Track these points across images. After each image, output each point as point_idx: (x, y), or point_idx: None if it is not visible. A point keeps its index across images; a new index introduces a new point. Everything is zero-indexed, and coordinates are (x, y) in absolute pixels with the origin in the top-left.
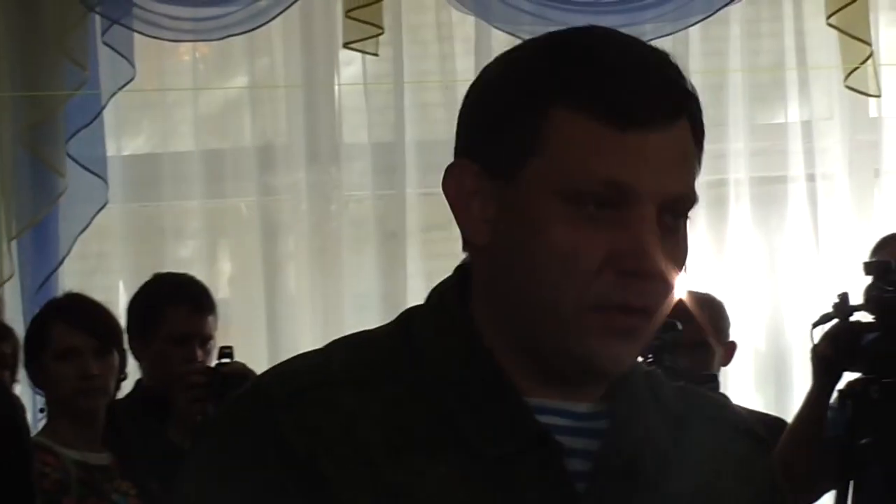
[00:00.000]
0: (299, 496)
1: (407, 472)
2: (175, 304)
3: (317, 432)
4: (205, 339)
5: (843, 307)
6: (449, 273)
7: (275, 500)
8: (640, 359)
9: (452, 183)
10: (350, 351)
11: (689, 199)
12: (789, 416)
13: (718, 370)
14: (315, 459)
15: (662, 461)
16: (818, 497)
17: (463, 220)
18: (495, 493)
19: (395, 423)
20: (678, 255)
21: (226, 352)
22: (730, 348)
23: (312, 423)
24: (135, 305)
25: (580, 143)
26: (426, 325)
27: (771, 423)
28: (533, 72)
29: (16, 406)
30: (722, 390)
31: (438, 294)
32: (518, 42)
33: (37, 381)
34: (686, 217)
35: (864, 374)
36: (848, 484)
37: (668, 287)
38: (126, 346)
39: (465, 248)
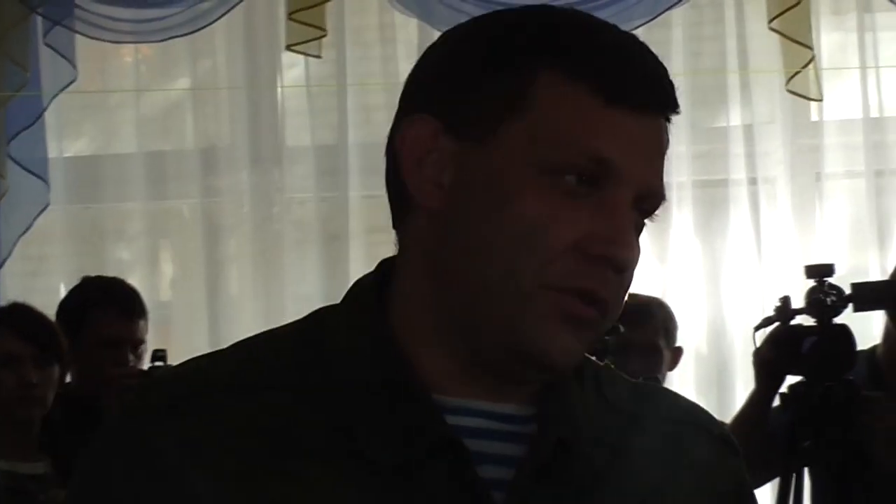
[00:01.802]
0: None
1: (295, 487)
2: (103, 307)
3: (193, 444)
4: (136, 343)
5: (784, 310)
6: None
7: None
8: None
9: (407, 138)
10: (244, 353)
11: (661, 197)
12: (730, 419)
13: (665, 374)
14: (189, 475)
15: (599, 466)
16: (754, 489)
17: (412, 181)
18: None
19: (285, 432)
20: (639, 254)
21: (159, 355)
22: (677, 353)
23: (191, 435)
24: (64, 308)
25: (569, 112)
26: (336, 322)
27: None
28: (522, 33)
29: None
30: None
31: (355, 289)
32: None
33: None
34: (651, 217)
35: (805, 377)
36: (789, 484)
37: (628, 283)
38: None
39: (398, 222)
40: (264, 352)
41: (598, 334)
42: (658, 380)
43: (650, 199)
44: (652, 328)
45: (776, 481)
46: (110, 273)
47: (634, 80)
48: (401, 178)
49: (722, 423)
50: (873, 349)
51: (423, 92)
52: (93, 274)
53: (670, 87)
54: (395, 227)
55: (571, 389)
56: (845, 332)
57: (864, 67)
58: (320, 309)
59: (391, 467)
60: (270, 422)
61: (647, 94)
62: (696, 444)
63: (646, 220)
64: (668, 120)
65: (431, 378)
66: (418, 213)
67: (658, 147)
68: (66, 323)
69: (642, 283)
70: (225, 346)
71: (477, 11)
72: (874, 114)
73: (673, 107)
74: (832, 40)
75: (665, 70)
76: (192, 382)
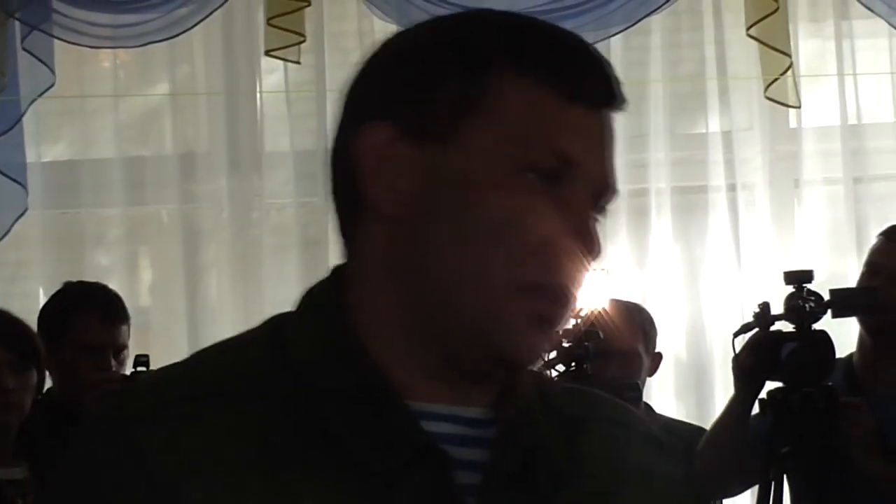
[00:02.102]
0: None
1: (280, 493)
2: (85, 312)
3: (181, 451)
4: (118, 348)
5: (763, 317)
6: None
7: None
8: (561, 367)
9: (363, 146)
10: (216, 361)
11: (614, 192)
12: (710, 425)
13: (644, 380)
14: (178, 481)
15: (558, 468)
16: (735, 494)
17: (371, 189)
18: None
19: (267, 440)
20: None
21: (142, 360)
22: (656, 358)
23: (176, 442)
24: (45, 314)
25: (530, 111)
26: (298, 330)
27: (691, 433)
28: (478, 34)
29: None
30: (644, 399)
31: (311, 295)
32: None
33: None
34: (604, 212)
35: (784, 383)
36: (769, 490)
37: (588, 276)
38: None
39: (349, 230)
40: (229, 361)
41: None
42: (638, 385)
43: (606, 193)
44: (631, 333)
45: (755, 488)
46: (89, 278)
47: (589, 78)
48: (355, 187)
49: (651, 424)
50: (850, 356)
51: (375, 98)
52: (71, 279)
53: (619, 84)
54: (343, 235)
55: (529, 393)
56: (824, 338)
57: (841, 74)
58: (276, 317)
59: (374, 473)
60: (248, 429)
61: (601, 92)
62: (633, 445)
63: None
64: (618, 110)
65: (399, 383)
66: (376, 220)
67: (611, 142)
68: (48, 328)
69: (622, 288)
70: None
71: None
72: (852, 121)
73: (622, 103)
74: (810, 47)
75: (612, 67)
76: (175, 389)
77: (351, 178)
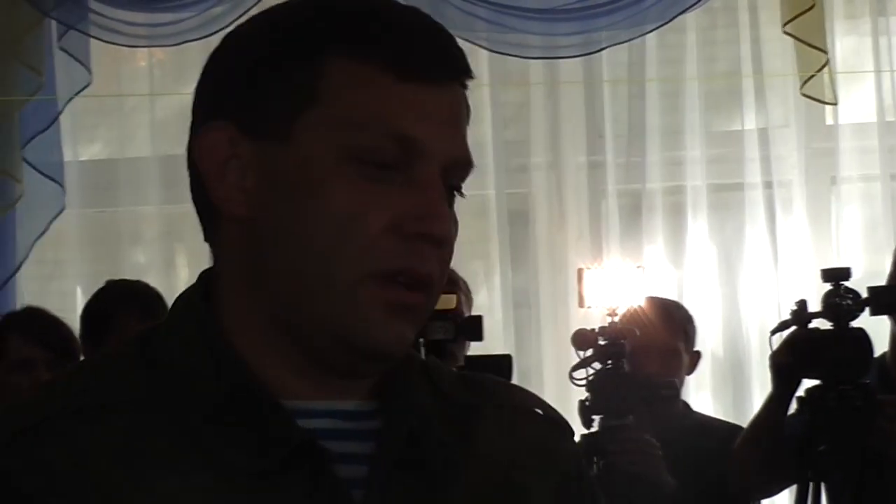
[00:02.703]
0: None
1: (155, 502)
2: (126, 311)
3: (47, 471)
4: None
5: (801, 314)
6: None
7: None
8: (598, 365)
9: (203, 147)
10: (83, 377)
11: (469, 166)
12: (747, 423)
13: (683, 378)
14: (48, 501)
15: (451, 456)
16: (773, 494)
17: (215, 190)
18: None
19: (138, 451)
20: (455, 225)
21: None
22: (695, 357)
23: (41, 462)
24: (87, 312)
25: (363, 95)
26: (167, 338)
27: (728, 431)
28: (303, 22)
29: None
30: (681, 397)
31: (179, 303)
32: (474, 49)
33: None
34: (460, 189)
35: (821, 381)
36: (807, 488)
37: (449, 256)
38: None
39: (207, 233)
40: (102, 374)
41: (426, 316)
42: (675, 383)
43: (457, 169)
44: (671, 331)
45: (793, 487)
46: (126, 276)
47: (421, 53)
48: (203, 189)
49: (549, 405)
50: (883, 355)
51: (214, 98)
52: (109, 277)
53: (459, 53)
54: (206, 239)
55: (413, 381)
56: (862, 336)
57: (878, 71)
58: (146, 328)
59: (252, 475)
60: (122, 442)
61: (435, 65)
62: (531, 428)
63: (458, 194)
64: (465, 86)
65: (271, 383)
66: (228, 222)
67: (457, 116)
68: (91, 327)
69: (658, 286)
70: None
71: (489, 15)
72: (889, 117)
73: (464, 72)
74: (846, 44)
75: (452, 38)
76: (35, 411)
77: (200, 180)
